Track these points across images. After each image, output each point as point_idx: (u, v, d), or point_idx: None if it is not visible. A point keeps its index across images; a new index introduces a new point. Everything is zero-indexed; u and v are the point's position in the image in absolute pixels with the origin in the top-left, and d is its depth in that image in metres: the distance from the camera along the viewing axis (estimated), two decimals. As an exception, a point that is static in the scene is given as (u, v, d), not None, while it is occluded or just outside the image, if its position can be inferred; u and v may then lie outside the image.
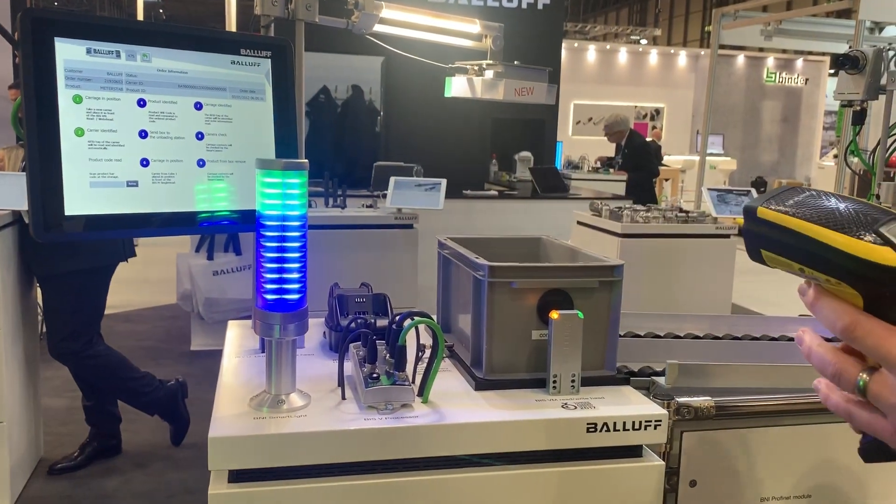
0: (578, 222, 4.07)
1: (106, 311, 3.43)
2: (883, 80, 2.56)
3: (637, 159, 7.12)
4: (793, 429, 1.26)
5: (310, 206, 3.88)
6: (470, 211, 5.32)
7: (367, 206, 3.91)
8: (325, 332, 1.47)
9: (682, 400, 1.24)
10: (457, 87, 1.56)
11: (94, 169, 1.06)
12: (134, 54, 1.08)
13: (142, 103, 1.09)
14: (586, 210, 4.10)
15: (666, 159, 12.24)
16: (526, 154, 6.74)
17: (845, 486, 1.30)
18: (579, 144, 11.03)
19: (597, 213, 3.96)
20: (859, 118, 2.65)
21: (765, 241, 0.64)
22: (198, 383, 4.13)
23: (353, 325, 1.35)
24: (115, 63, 1.08)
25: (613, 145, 7.72)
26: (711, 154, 12.22)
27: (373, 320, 1.38)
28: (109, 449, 3.65)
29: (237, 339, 1.49)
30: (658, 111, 15.14)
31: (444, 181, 3.72)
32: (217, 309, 5.02)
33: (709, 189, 3.96)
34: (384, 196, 3.85)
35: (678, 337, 1.63)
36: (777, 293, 7.38)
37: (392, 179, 3.74)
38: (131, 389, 3.46)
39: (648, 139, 9.98)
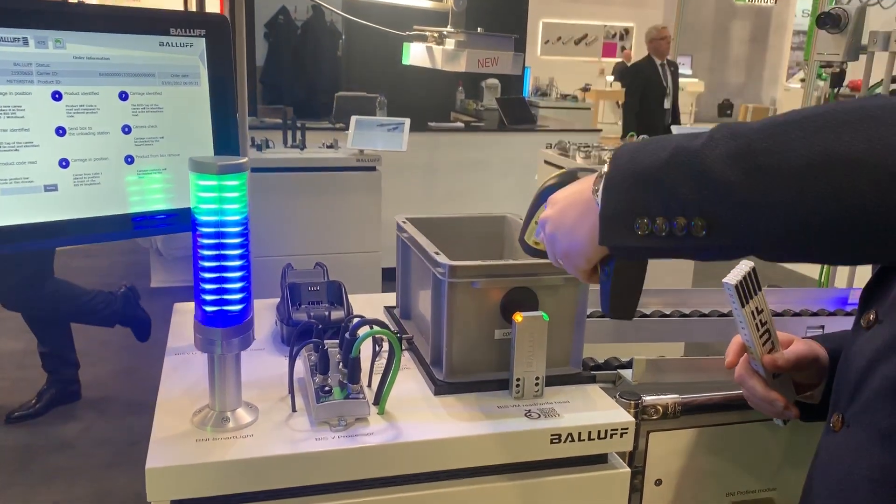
0: (545, 162, 3.98)
1: (64, 247, 3.35)
2: (864, 40, 2.42)
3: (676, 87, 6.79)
4: (758, 424, 1.23)
5: (267, 146, 3.75)
6: (435, 145, 5.19)
7: (328, 146, 3.76)
8: (277, 321, 1.39)
9: (648, 400, 1.19)
10: (415, 55, 1.44)
11: (4, 174, 0.94)
12: (45, 40, 0.95)
13: (57, 96, 0.97)
14: (553, 146, 4.00)
15: (634, 81, 12.07)
16: (493, 81, 6.56)
17: (810, 477, 1.29)
18: (548, 66, 10.79)
19: (564, 152, 3.87)
20: (838, 80, 2.53)
21: (525, 232, 1.08)
22: (158, 323, 4.05)
23: (305, 319, 1.27)
24: (22, 52, 0.94)
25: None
26: (681, 76, 12.06)
27: (327, 312, 1.31)
28: (68, 395, 3.59)
29: (182, 327, 1.40)
30: (627, 31, 14.82)
31: (407, 121, 3.58)
32: (176, 245, 4.91)
33: (673, 127, 3.88)
34: (346, 128, 3.70)
35: (645, 315, 1.58)
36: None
37: (353, 119, 3.59)
38: (88, 310, 3.42)
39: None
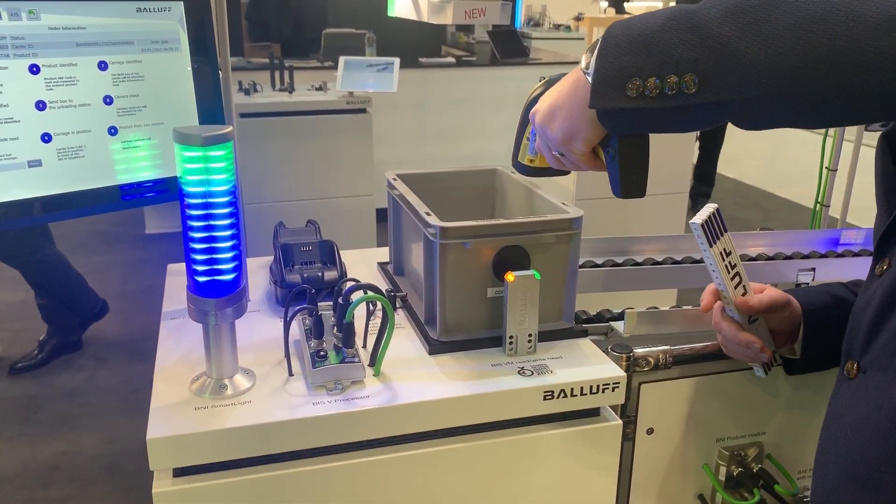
0: (538, 98, 3.91)
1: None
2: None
3: None
4: (747, 372, 1.25)
5: (255, 89, 3.68)
6: (426, 81, 5.11)
7: (317, 89, 3.70)
8: (270, 281, 1.40)
9: (640, 352, 1.21)
10: (401, 7, 1.41)
11: (-14, 152, 0.93)
12: (18, 12, 0.93)
13: (35, 69, 0.95)
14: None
15: (627, 7, 11.77)
16: (484, 13, 6.41)
17: (797, 421, 1.32)
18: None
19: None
20: None
21: (518, 153, 1.13)
22: (154, 270, 4.06)
23: (299, 280, 1.28)
24: (-4, 25, 0.92)
25: None
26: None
27: (320, 273, 1.31)
28: (69, 345, 3.64)
29: (176, 288, 1.41)
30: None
31: (397, 60, 3.51)
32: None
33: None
34: (335, 66, 3.63)
35: (637, 263, 1.59)
36: (734, 149, 7.38)
37: (341, 60, 3.52)
38: (70, 294, 3.53)
39: None
